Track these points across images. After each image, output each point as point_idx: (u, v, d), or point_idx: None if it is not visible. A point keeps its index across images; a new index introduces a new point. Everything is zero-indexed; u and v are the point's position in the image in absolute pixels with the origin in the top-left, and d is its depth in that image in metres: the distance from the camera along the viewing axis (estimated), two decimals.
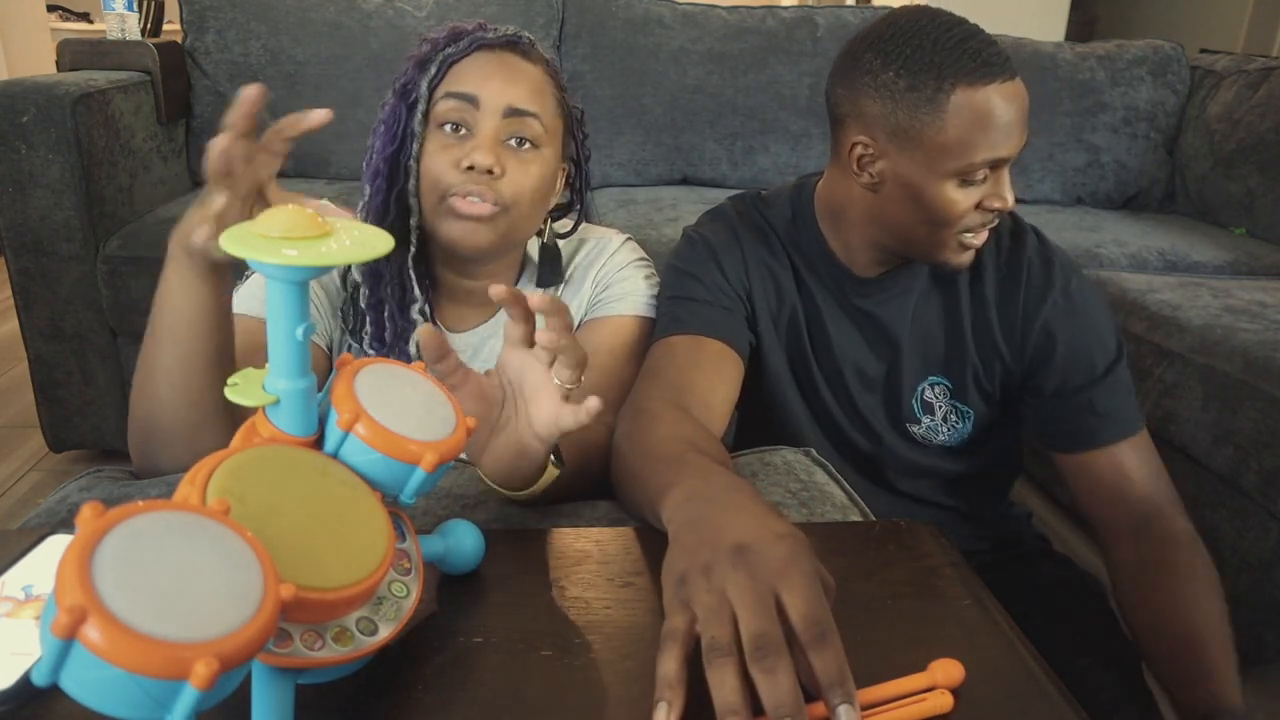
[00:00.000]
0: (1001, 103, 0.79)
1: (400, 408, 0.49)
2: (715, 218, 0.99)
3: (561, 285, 0.96)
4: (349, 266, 0.89)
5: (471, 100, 0.82)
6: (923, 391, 0.95)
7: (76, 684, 0.31)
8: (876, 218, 0.87)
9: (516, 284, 0.95)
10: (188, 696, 0.32)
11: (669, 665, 0.44)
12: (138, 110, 1.91)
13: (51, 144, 1.66)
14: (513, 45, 0.85)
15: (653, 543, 0.62)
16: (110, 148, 1.78)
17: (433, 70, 0.83)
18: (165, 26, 2.36)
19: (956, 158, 0.79)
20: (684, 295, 0.91)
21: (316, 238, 0.44)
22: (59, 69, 2.01)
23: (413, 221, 0.85)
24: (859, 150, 0.85)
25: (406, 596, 0.47)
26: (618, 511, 0.71)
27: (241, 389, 0.47)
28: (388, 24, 2.18)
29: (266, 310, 0.45)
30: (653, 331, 0.91)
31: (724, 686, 0.42)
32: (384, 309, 0.87)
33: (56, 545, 0.55)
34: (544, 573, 0.58)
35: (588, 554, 0.61)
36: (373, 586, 0.43)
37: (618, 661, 0.50)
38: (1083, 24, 4.44)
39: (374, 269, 0.88)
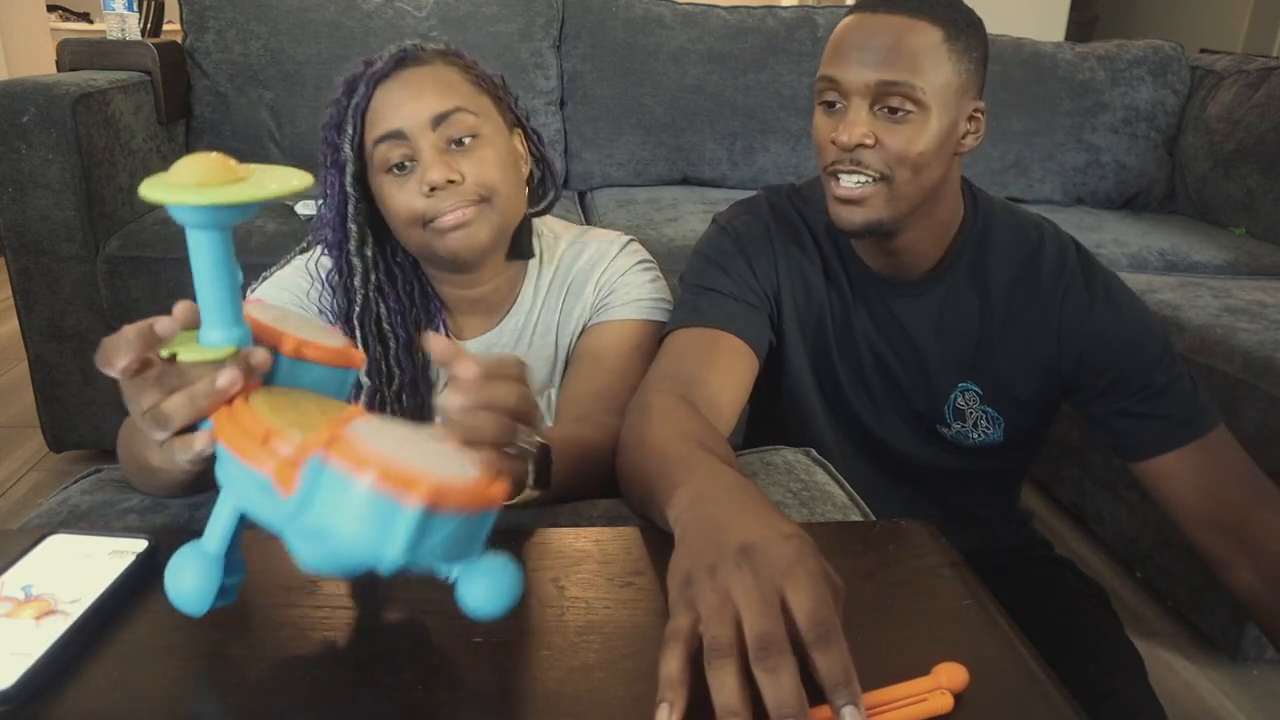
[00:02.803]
0: (849, 28, 0.81)
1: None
2: (748, 210, 0.97)
3: (561, 292, 0.96)
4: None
5: (398, 135, 0.83)
6: (955, 399, 0.93)
7: (434, 548, 0.39)
8: None
9: (520, 292, 0.95)
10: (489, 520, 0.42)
11: (671, 665, 0.43)
12: (138, 110, 1.91)
13: (51, 144, 1.66)
14: (401, 63, 0.85)
15: (654, 542, 0.62)
16: (110, 148, 1.78)
17: (350, 129, 0.84)
18: (165, 26, 2.36)
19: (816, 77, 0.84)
20: (708, 286, 0.90)
21: (233, 181, 0.44)
22: (59, 69, 2.01)
23: (355, 280, 0.87)
24: None
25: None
26: (618, 511, 0.71)
27: (189, 349, 0.47)
28: (388, 24, 2.18)
29: (193, 263, 0.45)
30: (658, 333, 0.91)
31: (724, 687, 0.42)
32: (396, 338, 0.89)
33: (57, 545, 0.55)
34: (544, 573, 0.58)
35: (588, 554, 0.60)
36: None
37: (618, 661, 0.49)
38: (1083, 24, 4.44)
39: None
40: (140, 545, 0.54)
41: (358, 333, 0.88)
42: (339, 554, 0.42)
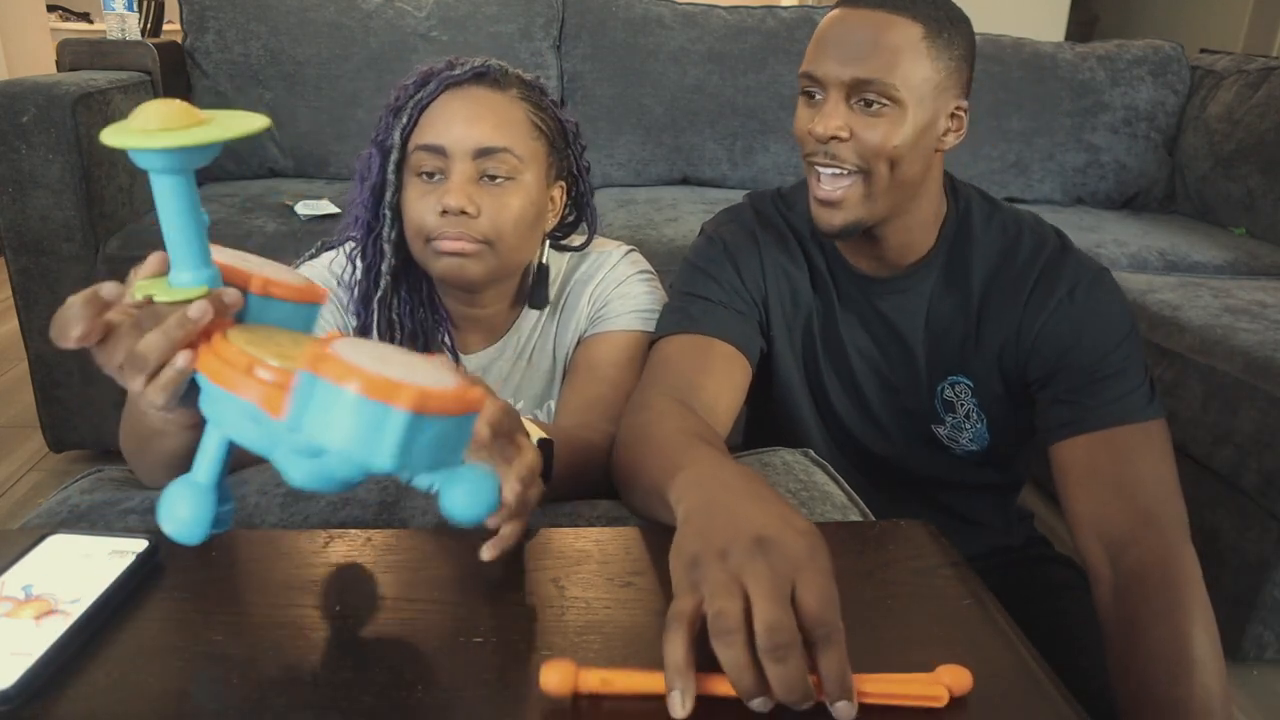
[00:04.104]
0: (830, 23, 0.83)
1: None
2: (734, 218, 0.98)
3: (557, 305, 0.97)
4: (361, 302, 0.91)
5: (439, 151, 0.84)
6: (943, 390, 0.94)
7: (423, 451, 0.41)
8: None
9: (521, 311, 0.96)
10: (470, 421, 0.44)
11: (677, 650, 0.43)
12: None
13: (51, 144, 1.66)
14: (481, 78, 0.86)
15: (654, 542, 0.62)
16: (110, 148, 1.78)
17: (404, 120, 0.85)
18: (165, 26, 2.37)
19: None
20: (698, 294, 0.91)
21: (194, 125, 0.45)
22: (59, 69, 2.01)
23: (383, 266, 0.88)
24: None
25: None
26: (618, 511, 0.71)
27: (161, 290, 0.49)
28: (388, 24, 2.18)
29: (159, 208, 0.46)
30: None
31: (738, 665, 0.41)
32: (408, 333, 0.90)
33: (57, 545, 0.55)
34: (544, 573, 0.58)
35: (588, 554, 0.61)
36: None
37: (617, 661, 0.49)
38: (1083, 24, 4.44)
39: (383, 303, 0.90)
40: (140, 545, 0.54)
41: (375, 316, 0.88)
42: (331, 467, 0.45)
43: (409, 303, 0.91)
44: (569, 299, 0.96)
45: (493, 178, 0.85)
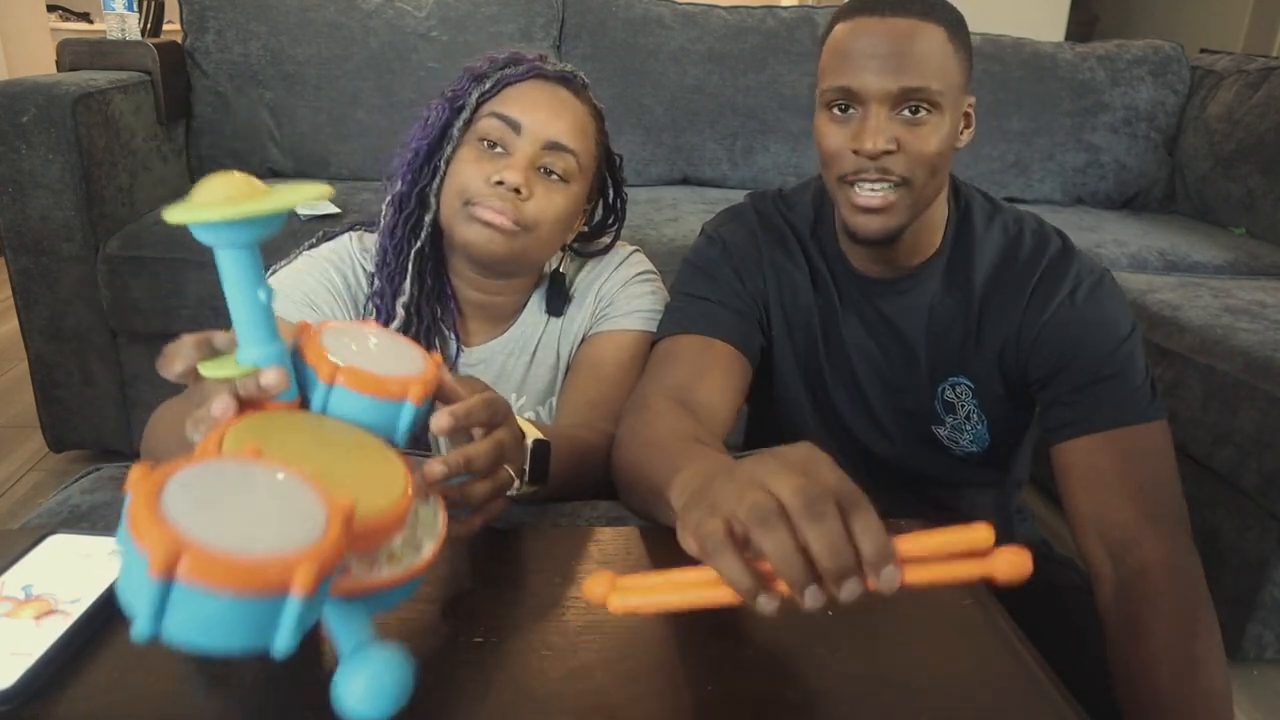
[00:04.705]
0: (858, 33, 0.80)
1: (371, 355, 0.51)
2: (735, 218, 0.98)
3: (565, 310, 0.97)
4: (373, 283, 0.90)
5: (515, 125, 0.85)
6: (943, 392, 0.94)
7: (180, 625, 0.32)
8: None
9: (527, 304, 0.96)
10: (291, 610, 0.33)
11: (734, 567, 0.41)
12: (138, 110, 1.91)
13: (51, 144, 1.66)
14: (567, 81, 0.88)
15: (653, 543, 0.62)
16: (110, 148, 1.78)
17: (487, 85, 0.86)
18: (165, 26, 2.37)
19: (821, 85, 0.82)
20: (698, 294, 0.91)
21: (256, 197, 0.44)
22: (59, 69, 2.01)
23: (427, 217, 0.88)
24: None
25: (435, 515, 0.49)
26: (618, 511, 0.71)
27: (215, 365, 0.47)
28: (388, 24, 2.18)
29: (224, 283, 0.45)
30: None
31: (786, 549, 0.40)
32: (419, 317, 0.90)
33: (57, 545, 0.55)
34: (544, 573, 0.58)
35: (588, 554, 0.61)
36: (407, 506, 0.44)
37: (618, 661, 0.49)
38: (1083, 24, 4.44)
39: (390, 279, 0.89)
40: None
41: (410, 267, 0.88)
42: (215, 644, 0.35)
43: (433, 264, 0.90)
44: (575, 297, 0.97)
45: (550, 173, 0.86)
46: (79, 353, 1.82)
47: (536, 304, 0.96)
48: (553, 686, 0.47)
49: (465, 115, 0.86)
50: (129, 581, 0.33)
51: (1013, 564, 0.41)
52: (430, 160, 0.88)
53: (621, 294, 0.95)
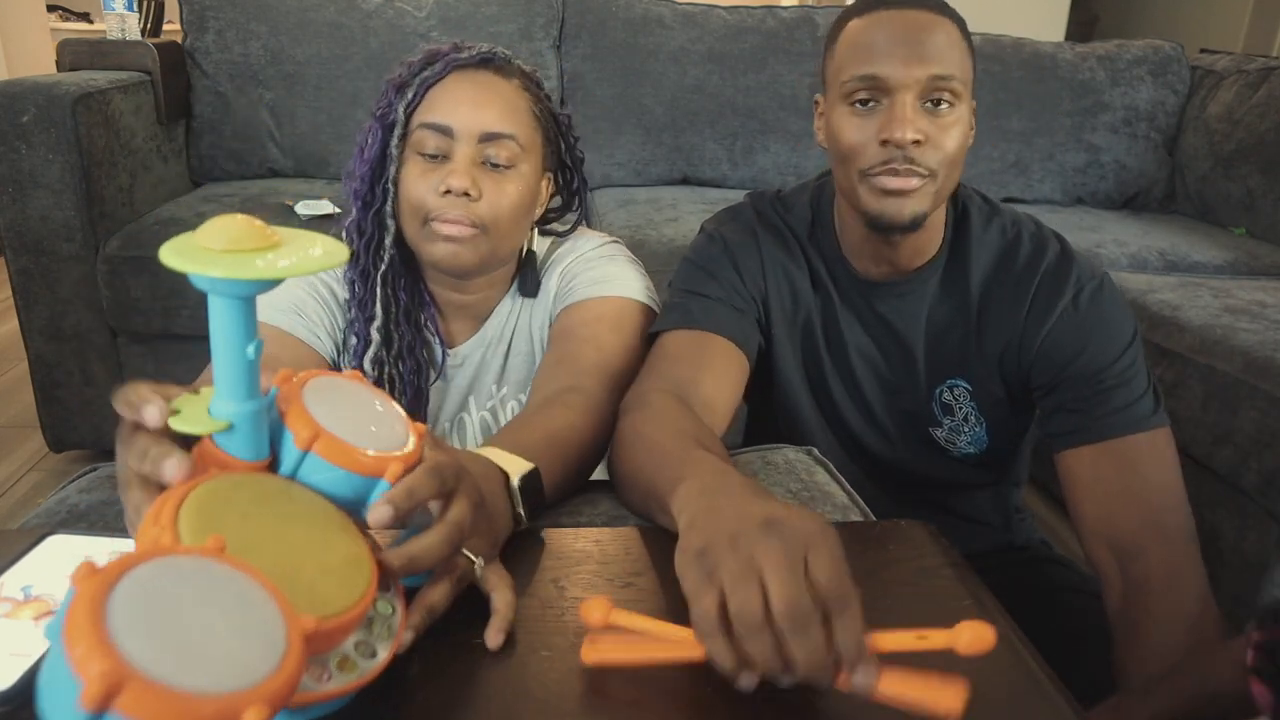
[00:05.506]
0: (879, 24, 0.80)
1: (354, 421, 0.47)
2: (734, 217, 0.99)
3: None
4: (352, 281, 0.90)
5: (446, 130, 0.84)
6: (941, 394, 0.94)
7: None
8: (835, 180, 0.89)
9: (507, 293, 0.97)
10: None
11: (725, 656, 0.44)
12: (138, 110, 1.91)
13: (51, 144, 1.66)
14: (487, 63, 0.87)
15: (654, 542, 0.62)
16: (110, 148, 1.78)
17: (409, 95, 0.85)
18: (165, 26, 2.37)
19: (838, 78, 0.82)
20: (697, 291, 0.91)
21: (263, 249, 0.40)
22: (59, 69, 2.01)
23: (387, 239, 0.88)
24: (817, 110, 0.90)
25: (393, 614, 0.46)
26: (618, 511, 0.71)
27: (186, 416, 0.43)
28: (388, 24, 2.18)
29: (211, 329, 0.41)
30: (622, 307, 0.91)
31: (765, 654, 0.43)
32: (391, 321, 0.89)
33: (56, 545, 0.55)
34: (544, 573, 0.58)
35: (588, 554, 0.61)
36: (368, 605, 0.41)
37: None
38: (1083, 24, 4.44)
39: (363, 288, 0.89)
40: None
41: (379, 290, 0.88)
42: None
43: (405, 279, 0.90)
44: (542, 281, 0.97)
45: (494, 164, 0.85)
46: (79, 353, 1.82)
47: (510, 293, 0.97)
48: (553, 686, 0.47)
49: (398, 133, 0.85)
50: (55, 693, 0.29)
51: (976, 637, 0.43)
52: (377, 185, 0.87)
53: (583, 267, 0.95)
